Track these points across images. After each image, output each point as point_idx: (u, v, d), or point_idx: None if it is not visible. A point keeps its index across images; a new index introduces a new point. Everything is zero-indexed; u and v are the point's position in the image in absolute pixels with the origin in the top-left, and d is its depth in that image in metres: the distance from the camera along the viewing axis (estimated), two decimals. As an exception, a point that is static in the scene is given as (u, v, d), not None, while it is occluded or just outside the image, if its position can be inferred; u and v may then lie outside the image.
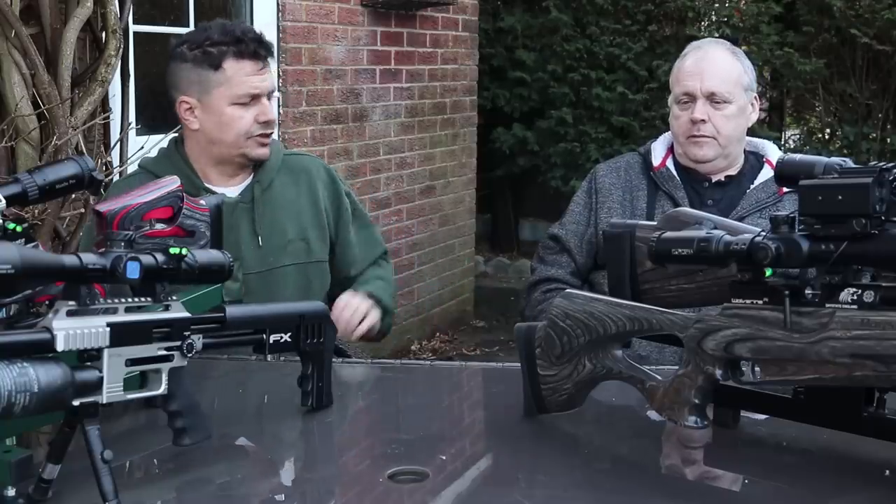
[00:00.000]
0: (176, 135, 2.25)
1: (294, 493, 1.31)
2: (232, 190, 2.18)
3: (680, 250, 1.23)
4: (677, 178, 2.35)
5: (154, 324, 1.24)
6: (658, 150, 2.40)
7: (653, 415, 1.37)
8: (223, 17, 4.30)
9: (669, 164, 2.38)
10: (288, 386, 1.55)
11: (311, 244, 2.22)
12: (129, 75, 3.46)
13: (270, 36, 2.35)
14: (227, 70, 2.09)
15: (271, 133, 2.18)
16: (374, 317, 2.20)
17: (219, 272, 1.31)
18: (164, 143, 2.31)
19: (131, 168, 3.15)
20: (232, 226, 2.08)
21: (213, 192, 2.08)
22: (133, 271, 1.15)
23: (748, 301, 1.20)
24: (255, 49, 2.11)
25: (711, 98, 2.29)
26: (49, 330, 1.10)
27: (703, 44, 2.42)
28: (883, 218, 1.10)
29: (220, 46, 2.09)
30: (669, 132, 2.42)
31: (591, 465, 1.36)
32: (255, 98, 2.12)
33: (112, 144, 3.32)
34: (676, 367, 1.30)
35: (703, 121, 2.28)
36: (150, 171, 2.16)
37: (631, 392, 1.38)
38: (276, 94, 2.24)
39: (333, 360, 1.56)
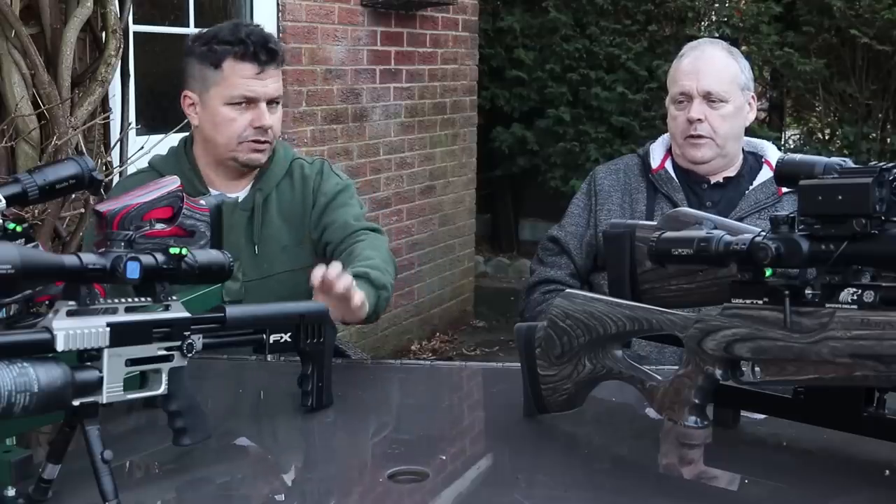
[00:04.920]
0: (185, 134, 2.24)
1: (294, 493, 1.31)
2: (234, 195, 2.16)
3: (680, 250, 1.23)
4: (676, 180, 2.34)
5: (154, 324, 1.24)
6: (657, 152, 2.40)
7: (653, 415, 1.37)
8: (223, 17, 4.32)
9: (668, 166, 2.37)
10: (288, 386, 1.55)
11: (304, 249, 2.19)
12: (129, 75, 3.46)
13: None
14: (226, 70, 2.09)
15: (267, 140, 2.13)
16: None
17: (219, 272, 1.32)
18: (164, 144, 2.30)
19: (131, 168, 3.15)
20: (230, 228, 2.07)
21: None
22: (133, 271, 1.16)
23: (748, 301, 1.20)
24: (256, 52, 2.09)
25: (708, 97, 2.29)
26: (49, 330, 1.10)
27: (699, 44, 2.42)
28: (883, 218, 1.10)
29: (224, 45, 2.09)
30: (668, 133, 2.42)
31: (591, 465, 1.36)
32: (251, 101, 2.10)
33: (112, 144, 3.32)
34: (676, 367, 1.30)
35: (699, 120, 2.28)
36: (158, 169, 2.16)
37: (631, 392, 1.39)
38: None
39: (333, 360, 1.56)
